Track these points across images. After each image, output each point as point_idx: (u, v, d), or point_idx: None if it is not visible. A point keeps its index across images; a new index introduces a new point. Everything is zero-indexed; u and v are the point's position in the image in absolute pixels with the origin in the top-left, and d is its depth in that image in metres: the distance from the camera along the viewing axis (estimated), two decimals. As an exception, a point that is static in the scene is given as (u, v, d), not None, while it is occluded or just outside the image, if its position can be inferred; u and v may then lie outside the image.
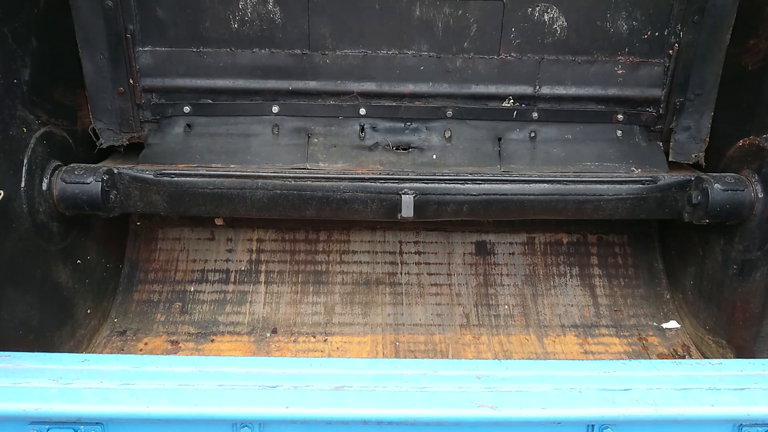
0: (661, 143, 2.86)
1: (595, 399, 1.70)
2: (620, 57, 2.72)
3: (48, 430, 1.64)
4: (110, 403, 1.64)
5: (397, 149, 2.82)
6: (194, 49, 2.66)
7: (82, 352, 2.66)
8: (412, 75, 2.73)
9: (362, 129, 2.81)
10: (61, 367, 1.77)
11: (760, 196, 2.49)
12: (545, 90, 2.76)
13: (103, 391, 1.67)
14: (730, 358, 2.60)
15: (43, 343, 2.38)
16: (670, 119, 2.81)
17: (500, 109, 2.80)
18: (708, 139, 2.83)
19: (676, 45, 2.68)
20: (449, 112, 2.80)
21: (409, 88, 2.75)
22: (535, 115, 2.81)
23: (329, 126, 2.81)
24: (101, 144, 2.74)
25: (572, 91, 2.77)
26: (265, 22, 2.62)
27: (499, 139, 2.83)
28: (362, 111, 2.79)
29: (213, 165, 2.72)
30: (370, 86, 2.74)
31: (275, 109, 2.77)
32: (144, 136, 2.77)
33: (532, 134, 2.84)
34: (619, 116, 2.83)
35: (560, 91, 2.77)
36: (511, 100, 2.78)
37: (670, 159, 2.85)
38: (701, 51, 2.68)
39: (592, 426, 1.69)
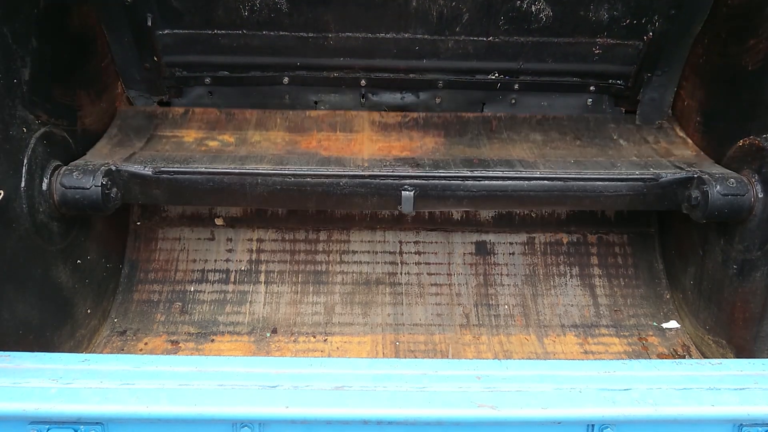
0: (623, 110, 3.17)
1: (595, 399, 1.70)
2: (599, 39, 2.89)
3: (48, 430, 1.64)
4: (110, 403, 1.64)
5: (391, 111, 3.16)
6: (209, 32, 2.84)
7: (82, 352, 2.66)
8: (408, 54, 2.94)
9: (363, 96, 3.16)
10: (61, 367, 1.77)
11: (760, 196, 2.49)
12: (527, 66, 3.00)
13: (103, 391, 1.67)
14: (730, 358, 2.60)
15: (43, 343, 2.38)
16: (637, 91, 3.07)
17: (486, 81, 3.08)
18: (670, 110, 3.12)
19: (651, 33, 2.84)
20: (440, 83, 3.10)
21: (405, 64, 3.00)
22: (516, 86, 3.11)
23: (334, 95, 3.15)
24: (132, 97, 3.07)
25: (552, 66, 3.00)
26: (273, 11, 2.75)
27: (483, 104, 3.19)
28: (363, 83, 3.09)
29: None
30: (370, 62, 2.99)
31: (285, 80, 3.07)
32: (171, 96, 3.11)
33: (513, 101, 3.18)
34: (591, 87, 3.12)
35: (541, 66, 3.01)
36: (496, 74, 3.04)
37: (636, 123, 3.12)
38: (673, 38, 2.87)
39: (592, 426, 1.69)
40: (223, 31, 2.83)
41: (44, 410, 1.61)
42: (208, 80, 3.05)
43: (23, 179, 2.28)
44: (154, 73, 2.97)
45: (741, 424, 1.70)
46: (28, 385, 1.69)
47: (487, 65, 3.00)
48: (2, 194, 2.17)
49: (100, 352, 2.75)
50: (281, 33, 2.84)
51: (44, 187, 2.39)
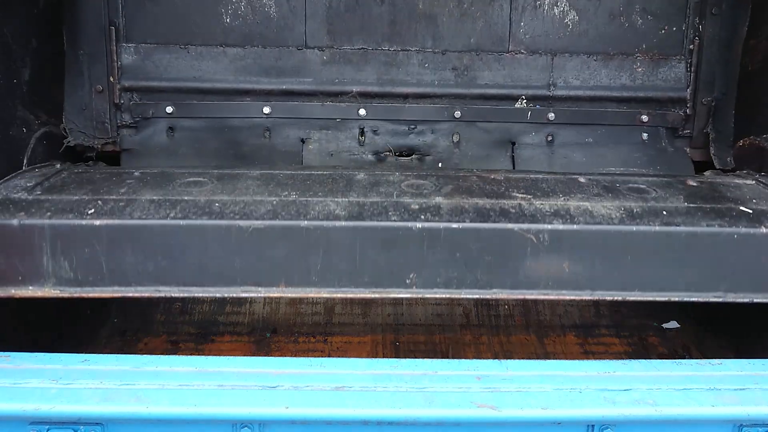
0: (688, 149, 2.69)
1: (595, 399, 1.70)
2: (638, 54, 2.62)
3: (48, 430, 1.64)
4: (110, 403, 1.64)
5: (399, 156, 2.65)
6: (181, 46, 2.59)
7: (82, 352, 2.66)
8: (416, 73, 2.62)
9: (362, 132, 2.65)
10: (61, 367, 1.77)
11: (760, 196, 2.49)
12: (560, 91, 2.63)
13: (103, 391, 1.67)
14: (730, 358, 2.60)
15: (43, 343, 2.38)
16: (704, 122, 2.64)
17: (513, 111, 2.65)
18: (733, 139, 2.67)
19: (697, 38, 2.59)
20: (457, 113, 2.65)
21: (413, 90, 2.62)
22: (551, 116, 2.65)
23: (326, 129, 2.64)
24: (68, 142, 2.54)
25: (590, 92, 2.63)
26: (259, 16, 2.57)
27: (513, 144, 2.67)
28: (362, 112, 2.63)
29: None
30: (370, 87, 2.62)
31: (266, 110, 2.62)
32: (119, 142, 2.62)
33: (549, 138, 2.67)
34: (643, 117, 2.66)
35: (577, 92, 2.63)
36: (524, 101, 2.63)
37: (717, 167, 2.63)
38: (723, 46, 2.59)
39: (592, 426, 1.69)
40: (197, 45, 2.56)
41: (44, 410, 1.61)
42: (170, 109, 2.57)
43: (23, 179, 2.28)
44: (106, 99, 2.54)
45: (741, 425, 1.70)
46: (28, 385, 1.69)
47: (513, 91, 2.61)
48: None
49: (100, 352, 2.75)
50: (266, 47, 2.56)
51: (44, 187, 2.39)
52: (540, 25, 2.60)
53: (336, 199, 1.88)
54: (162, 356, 1.83)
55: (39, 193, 1.93)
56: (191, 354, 2.76)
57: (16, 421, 1.64)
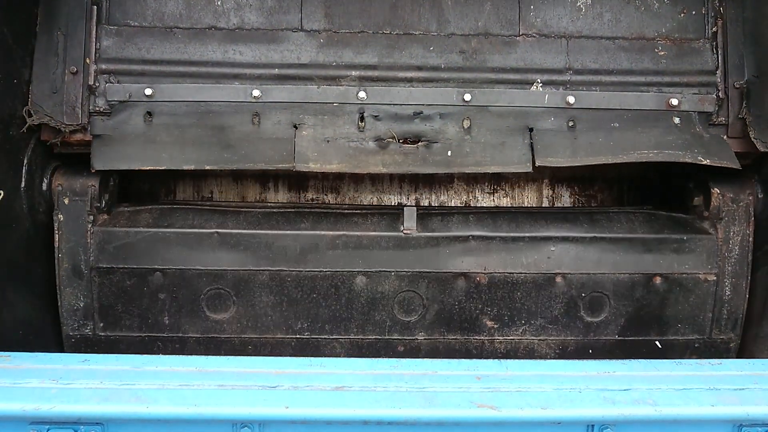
0: (725, 137, 2.51)
1: (595, 399, 1.70)
2: (659, 38, 2.55)
3: (48, 430, 1.64)
4: (110, 403, 1.64)
5: (404, 143, 2.47)
6: (168, 28, 2.47)
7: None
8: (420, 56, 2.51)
9: (362, 118, 2.47)
10: (61, 367, 1.77)
11: (760, 196, 2.48)
12: (579, 75, 2.51)
13: (103, 391, 1.67)
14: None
15: (43, 343, 2.38)
16: (738, 108, 2.51)
17: (528, 95, 2.50)
18: None
19: (720, 20, 2.53)
20: (467, 96, 2.48)
21: (416, 74, 2.50)
22: (571, 99, 2.49)
23: (321, 114, 2.47)
24: (32, 121, 2.33)
25: (611, 76, 2.51)
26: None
27: (531, 130, 2.49)
28: (362, 95, 2.46)
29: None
30: (370, 71, 2.48)
31: (256, 93, 2.44)
32: (90, 128, 2.41)
33: (571, 123, 2.49)
34: (673, 101, 2.50)
35: (597, 76, 2.51)
36: (540, 85, 2.50)
37: (761, 150, 2.45)
38: (749, 27, 2.50)
39: (592, 426, 1.69)
40: (181, 25, 2.45)
41: (44, 410, 1.61)
42: (149, 91, 2.40)
43: (23, 179, 2.28)
44: (79, 83, 2.37)
45: (741, 425, 1.70)
46: (28, 385, 1.70)
47: (527, 76, 2.48)
48: (2, 194, 2.18)
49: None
50: (257, 28, 2.47)
51: (44, 187, 2.39)
52: (551, 8, 2.54)
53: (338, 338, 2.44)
54: (162, 356, 1.84)
55: (102, 327, 2.42)
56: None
57: (16, 421, 1.64)
